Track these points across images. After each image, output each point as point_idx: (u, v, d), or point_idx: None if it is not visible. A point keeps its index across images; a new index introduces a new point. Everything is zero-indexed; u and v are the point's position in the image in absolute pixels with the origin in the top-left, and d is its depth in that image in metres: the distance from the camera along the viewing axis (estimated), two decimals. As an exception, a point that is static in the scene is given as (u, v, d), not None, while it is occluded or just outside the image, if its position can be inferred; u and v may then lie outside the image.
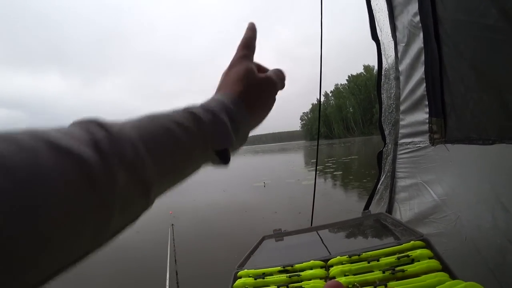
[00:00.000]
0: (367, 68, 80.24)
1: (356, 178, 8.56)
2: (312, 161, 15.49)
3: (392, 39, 1.55)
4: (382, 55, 1.65)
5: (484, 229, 1.12)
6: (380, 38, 1.64)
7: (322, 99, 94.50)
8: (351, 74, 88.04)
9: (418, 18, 1.32)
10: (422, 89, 1.38)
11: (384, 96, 1.67)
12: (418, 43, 1.34)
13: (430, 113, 1.33)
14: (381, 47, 1.65)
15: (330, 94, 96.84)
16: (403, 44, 1.48)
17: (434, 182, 1.39)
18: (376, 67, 1.80)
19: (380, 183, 1.72)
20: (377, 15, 1.62)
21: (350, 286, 0.73)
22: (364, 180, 7.37)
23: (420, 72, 1.37)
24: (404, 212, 1.57)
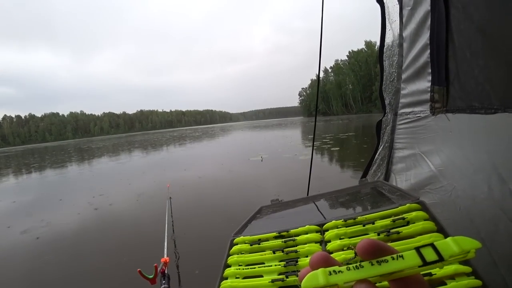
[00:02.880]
0: (368, 44, 78.11)
1: (352, 154, 8.63)
2: (309, 136, 15.52)
3: (397, 2, 1.47)
4: (386, 20, 1.57)
5: (479, 199, 1.13)
6: (385, 1, 1.55)
7: (322, 74, 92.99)
8: (351, 50, 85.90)
9: (426, -22, 1.24)
10: (425, 56, 1.32)
11: (386, 64, 1.62)
12: (425, 6, 1.27)
13: (432, 81, 1.29)
14: (386, 11, 1.56)
15: (330, 70, 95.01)
16: (409, 8, 1.40)
17: (433, 153, 1.38)
18: (377, 42, 1.73)
19: (377, 153, 1.71)
20: (383, -24, 1.52)
21: (345, 248, 0.73)
22: (361, 158, 7.44)
23: (424, 38, 1.31)
24: (400, 182, 1.58)
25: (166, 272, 1.49)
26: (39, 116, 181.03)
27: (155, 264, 1.40)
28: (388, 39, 1.61)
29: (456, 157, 1.26)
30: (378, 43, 1.75)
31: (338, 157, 8.08)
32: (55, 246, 3.47)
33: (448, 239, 0.23)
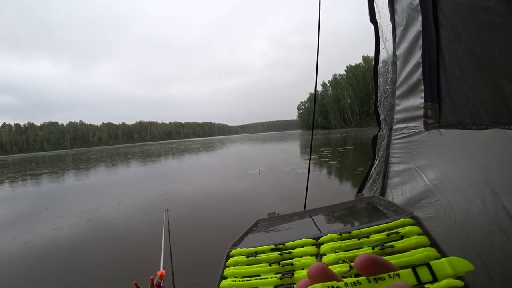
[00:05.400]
0: (366, 59, 79.60)
1: (350, 168, 8.63)
2: (307, 150, 15.55)
3: (390, 22, 1.53)
4: (380, 39, 1.63)
5: (473, 213, 1.14)
6: (378, 21, 1.62)
7: (320, 88, 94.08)
8: (349, 65, 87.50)
9: (417, 1, 1.30)
10: (418, 74, 1.37)
11: (380, 80, 1.67)
12: (417, 26, 1.33)
13: (425, 97, 1.32)
14: (379, 31, 1.63)
15: (328, 84, 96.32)
16: (401, 28, 1.46)
17: (427, 167, 1.40)
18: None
19: (373, 168, 1.73)
20: (376, -3, 1.59)
21: (340, 261, 0.74)
22: (360, 168, 7.45)
23: (417, 56, 1.36)
24: (396, 196, 1.59)
25: (162, 285, 1.48)
26: (38, 125, 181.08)
27: (151, 277, 1.40)
28: (382, 57, 1.66)
29: (449, 171, 1.28)
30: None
31: (336, 171, 8.08)
32: (47, 256, 3.42)
33: (444, 260, 0.24)
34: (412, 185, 1.49)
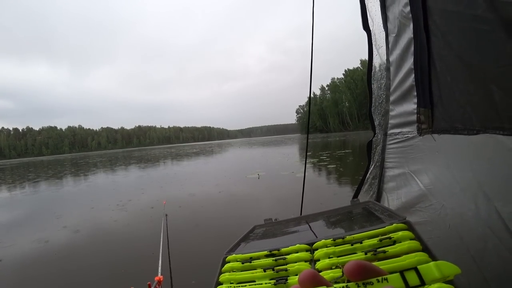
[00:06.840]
0: (364, 62, 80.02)
1: (348, 171, 8.65)
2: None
3: (383, 29, 1.56)
4: (373, 46, 1.66)
5: (466, 217, 1.16)
6: (371, 28, 1.65)
7: (319, 92, 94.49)
8: (347, 69, 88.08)
9: (408, 8, 1.32)
10: (411, 80, 1.39)
11: (374, 86, 1.69)
12: (408, 33, 1.35)
13: (418, 103, 1.35)
14: (372, 38, 1.65)
15: (326, 88, 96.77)
16: (394, 35, 1.49)
17: (421, 172, 1.42)
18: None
19: (369, 172, 1.75)
20: (369, 5, 1.62)
21: (333, 267, 0.75)
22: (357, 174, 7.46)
23: (409, 62, 1.38)
24: (391, 201, 1.60)
25: (159, 291, 1.48)
26: (37, 129, 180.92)
27: (149, 283, 1.40)
28: (376, 63, 1.69)
29: (443, 176, 1.30)
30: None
31: (334, 174, 8.09)
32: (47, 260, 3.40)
33: (431, 263, 0.25)
34: (407, 189, 1.50)
